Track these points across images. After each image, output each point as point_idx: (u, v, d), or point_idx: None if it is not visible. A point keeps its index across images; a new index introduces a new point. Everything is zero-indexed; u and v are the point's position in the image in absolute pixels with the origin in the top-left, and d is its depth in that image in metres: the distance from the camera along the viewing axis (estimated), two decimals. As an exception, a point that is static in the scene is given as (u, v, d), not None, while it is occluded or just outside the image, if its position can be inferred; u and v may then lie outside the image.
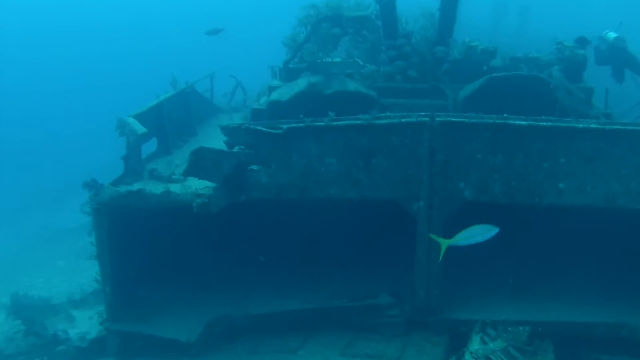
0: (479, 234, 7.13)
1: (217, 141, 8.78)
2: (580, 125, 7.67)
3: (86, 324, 10.20)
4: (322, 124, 7.92)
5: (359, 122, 7.86)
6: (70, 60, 40.02)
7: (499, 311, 8.22)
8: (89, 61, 39.70)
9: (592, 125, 7.69)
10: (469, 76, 10.29)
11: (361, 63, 11.08)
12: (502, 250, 9.39)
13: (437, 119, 7.69)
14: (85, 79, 37.54)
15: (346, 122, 7.91)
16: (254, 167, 8.18)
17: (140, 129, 9.55)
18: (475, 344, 7.07)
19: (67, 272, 16.06)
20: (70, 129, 31.33)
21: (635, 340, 7.98)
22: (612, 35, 14.24)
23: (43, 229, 22.09)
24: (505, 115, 7.77)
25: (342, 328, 8.58)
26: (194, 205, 8.03)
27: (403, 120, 7.77)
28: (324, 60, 10.31)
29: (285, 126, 8.02)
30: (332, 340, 8.39)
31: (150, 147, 11.14)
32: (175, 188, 8.49)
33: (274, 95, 10.29)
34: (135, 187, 8.65)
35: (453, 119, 7.73)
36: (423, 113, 7.80)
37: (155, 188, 8.60)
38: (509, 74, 10.00)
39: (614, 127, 7.70)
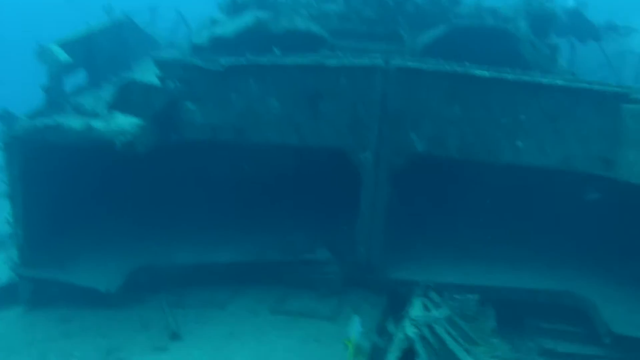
0: None
1: (153, 79, 7.97)
2: (545, 81, 7.23)
3: (-1, 269, 9.30)
4: (265, 62, 7.25)
5: (306, 61, 7.23)
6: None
7: (442, 273, 7.87)
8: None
9: (558, 82, 7.23)
10: (429, 22, 9.61)
11: (315, 4, 10.22)
12: (450, 208, 9.05)
13: (393, 63, 7.09)
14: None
15: (292, 61, 7.26)
16: (189, 105, 7.49)
17: (64, 57, 8.60)
18: (416, 309, 6.54)
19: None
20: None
21: (577, 309, 7.68)
22: (570, 2, 13.83)
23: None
24: (466, 64, 7.18)
25: (275, 283, 8.09)
26: (118, 143, 7.23)
27: (355, 62, 7.10)
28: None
29: (224, 62, 7.35)
30: (262, 296, 7.93)
31: (80, 80, 10.19)
32: (98, 124, 7.62)
33: (217, 31, 9.36)
34: (54, 120, 7.76)
35: (410, 65, 7.17)
36: (377, 55, 7.15)
37: (76, 123, 7.73)
38: (473, 23, 9.34)
39: (581, 85, 7.25)
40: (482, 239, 8.74)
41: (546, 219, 8.83)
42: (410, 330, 6.16)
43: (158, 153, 7.62)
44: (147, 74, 9.23)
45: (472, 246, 8.69)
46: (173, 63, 7.61)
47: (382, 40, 9.50)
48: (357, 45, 9.25)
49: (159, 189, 9.10)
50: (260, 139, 7.44)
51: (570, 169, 7.33)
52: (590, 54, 14.99)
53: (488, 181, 8.43)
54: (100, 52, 10.20)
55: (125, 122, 7.54)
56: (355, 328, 6.10)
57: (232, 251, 8.34)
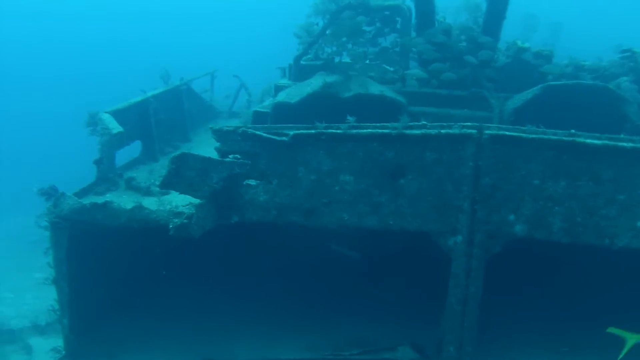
0: None
1: (213, 150, 7.27)
2: (669, 149, 6.02)
3: (44, 358, 8.64)
4: (338, 131, 6.36)
5: (385, 131, 6.26)
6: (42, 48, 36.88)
7: None
8: (63, 50, 36.64)
9: (683, 149, 6.03)
10: (518, 84, 8.63)
11: (390, 69, 9.37)
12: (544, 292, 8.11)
13: (487, 131, 6.07)
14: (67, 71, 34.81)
15: (369, 130, 6.32)
16: (251, 181, 6.64)
17: (116, 127, 8.00)
18: None
19: (43, 288, 14.42)
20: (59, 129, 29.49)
21: None
22: None
23: (28, 234, 20.40)
24: (572, 131, 6.12)
25: (350, 386, 7.05)
26: (171, 226, 6.42)
27: (443, 131, 6.14)
28: (346, 53, 8.65)
29: (291, 132, 6.47)
30: (337, 402, 6.90)
31: (135, 152, 9.63)
32: (150, 203, 6.91)
33: (281, 96, 8.66)
34: (103, 198, 7.11)
35: (507, 133, 6.09)
36: (469, 124, 6.17)
37: (127, 201, 7.07)
38: (570, 83, 8.30)
39: None
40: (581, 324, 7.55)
41: None
42: None
43: (218, 232, 6.80)
44: (208, 145, 8.60)
45: (570, 333, 7.51)
46: (233, 133, 6.76)
47: (465, 105, 8.58)
48: (437, 112, 8.36)
49: (218, 268, 8.35)
50: (333, 221, 6.48)
51: None
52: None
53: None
54: (156, 122, 9.64)
55: (180, 202, 6.81)
56: None
57: (300, 346, 7.36)
